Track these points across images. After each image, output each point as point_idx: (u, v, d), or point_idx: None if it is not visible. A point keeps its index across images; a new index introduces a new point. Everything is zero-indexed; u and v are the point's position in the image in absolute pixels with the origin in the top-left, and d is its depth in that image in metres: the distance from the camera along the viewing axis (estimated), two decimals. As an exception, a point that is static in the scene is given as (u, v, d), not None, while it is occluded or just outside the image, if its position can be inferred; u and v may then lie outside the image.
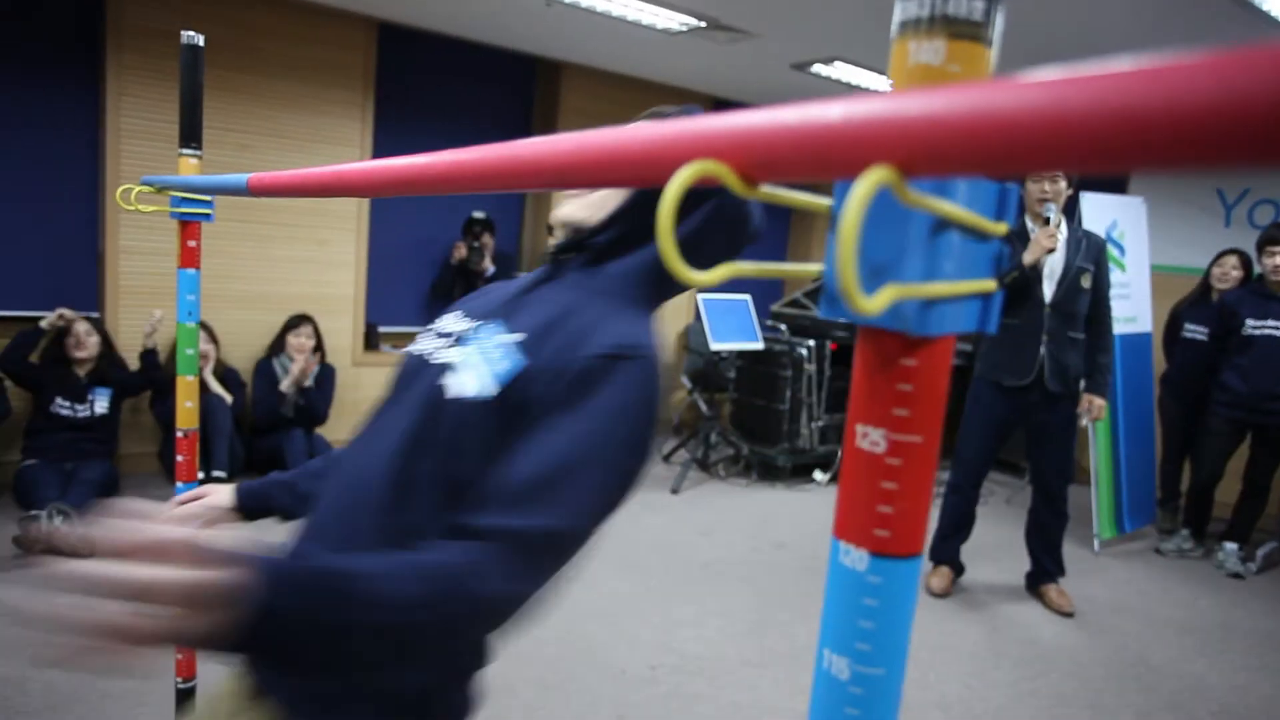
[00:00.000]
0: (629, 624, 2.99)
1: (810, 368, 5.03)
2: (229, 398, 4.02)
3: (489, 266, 4.94)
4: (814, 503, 4.69)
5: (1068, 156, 0.26)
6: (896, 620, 0.42)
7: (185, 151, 1.63)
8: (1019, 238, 3.18)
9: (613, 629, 2.94)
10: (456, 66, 5.00)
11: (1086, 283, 3.23)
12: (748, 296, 5.08)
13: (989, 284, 0.40)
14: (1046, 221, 3.09)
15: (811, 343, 5.05)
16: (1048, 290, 3.20)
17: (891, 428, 0.40)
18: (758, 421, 5.22)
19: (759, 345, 4.99)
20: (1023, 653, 3.03)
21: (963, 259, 0.38)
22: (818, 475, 5.09)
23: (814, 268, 0.41)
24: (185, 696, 1.78)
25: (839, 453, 5.13)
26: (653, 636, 2.91)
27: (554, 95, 5.27)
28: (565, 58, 5.10)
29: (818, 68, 4.64)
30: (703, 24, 4.06)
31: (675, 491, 4.62)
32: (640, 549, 3.74)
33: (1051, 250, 3.09)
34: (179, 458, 1.67)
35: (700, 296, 4.89)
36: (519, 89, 5.34)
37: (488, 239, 4.94)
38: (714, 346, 4.80)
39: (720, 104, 5.83)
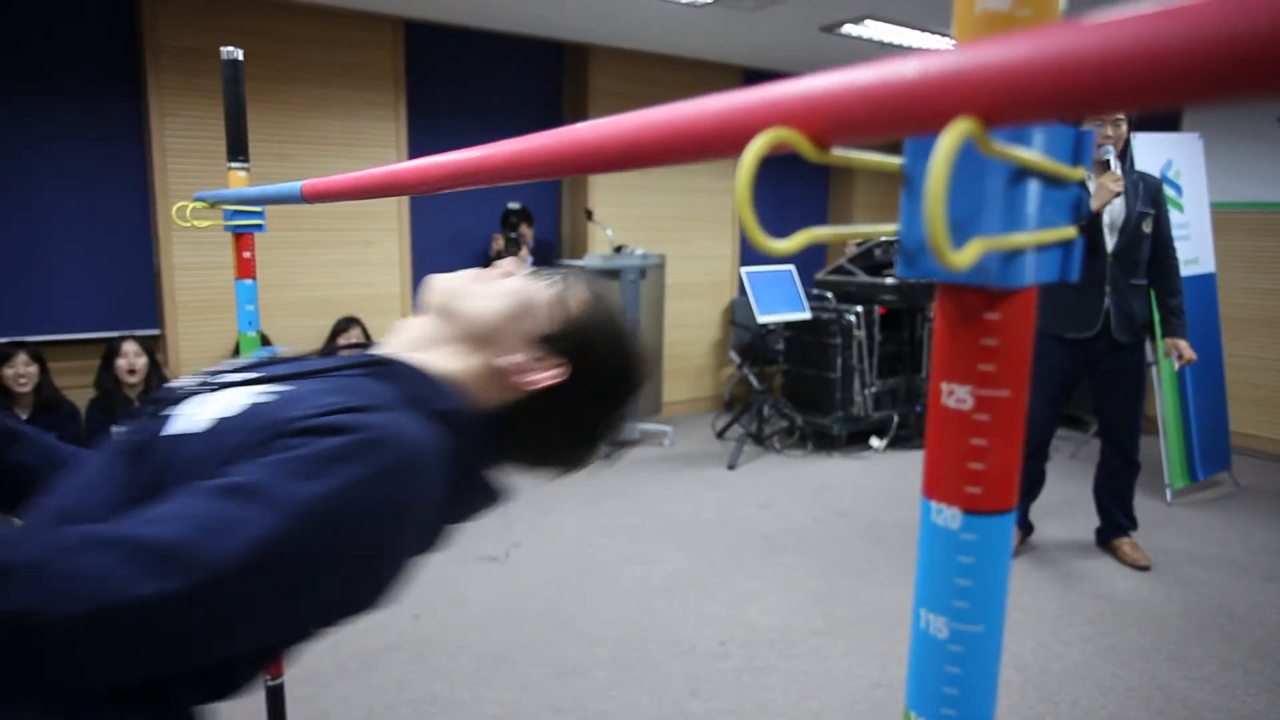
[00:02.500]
0: (695, 600, 3.01)
1: (860, 334, 4.97)
2: None
3: (526, 258, 4.94)
4: (872, 469, 4.65)
5: (1168, 91, 0.25)
6: (993, 576, 0.42)
7: (233, 165, 1.67)
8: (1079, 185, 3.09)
9: (680, 606, 2.96)
10: (483, 59, 5.01)
11: (1148, 228, 3.14)
12: (791, 267, 5.02)
13: (1070, 231, 0.40)
14: (1107, 165, 2.99)
15: (859, 308, 4.99)
16: (1109, 240, 3.11)
17: (978, 383, 0.39)
18: (810, 392, 5.19)
19: (806, 315, 4.94)
20: (1097, 609, 2.98)
21: (1043, 207, 0.37)
22: (874, 442, 5.04)
23: (888, 228, 0.41)
24: (275, 694, 1.84)
25: (894, 418, 5.07)
26: (720, 611, 2.92)
27: (582, 79, 5.26)
28: (591, 40, 5.08)
29: (848, 28, 4.55)
30: (728, -6, 4.00)
31: (732, 467, 4.62)
32: (701, 526, 3.76)
33: (1119, 194, 3.00)
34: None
35: (744, 270, 4.85)
36: (547, 76, 5.33)
37: (524, 229, 4.95)
38: (761, 319, 4.76)
39: (751, 74, 5.75)
